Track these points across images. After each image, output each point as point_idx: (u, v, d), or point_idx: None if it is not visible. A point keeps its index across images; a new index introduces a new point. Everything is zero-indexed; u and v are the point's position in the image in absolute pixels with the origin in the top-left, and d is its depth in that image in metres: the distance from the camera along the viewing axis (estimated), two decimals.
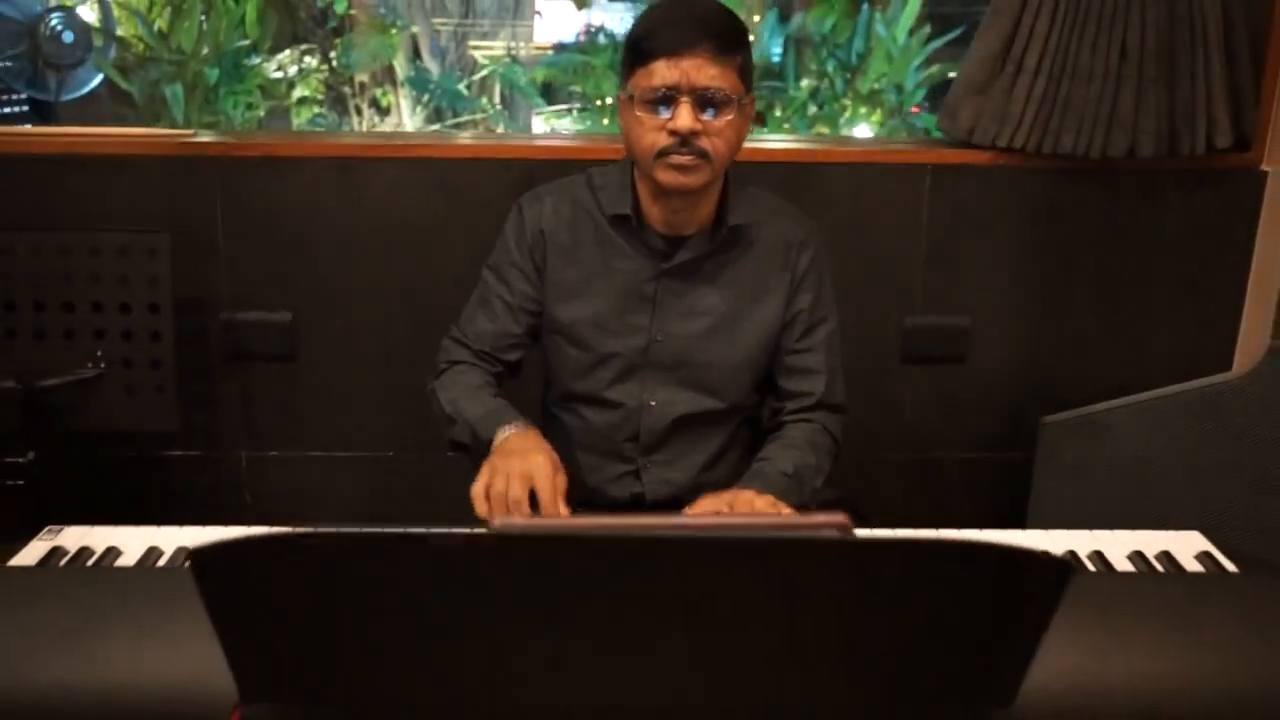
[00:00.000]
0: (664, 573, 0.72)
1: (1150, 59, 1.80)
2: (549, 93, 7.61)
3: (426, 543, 0.69)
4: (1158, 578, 1.11)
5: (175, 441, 1.98)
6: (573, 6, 7.83)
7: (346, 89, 7.31)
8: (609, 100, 7.42)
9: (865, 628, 0.79)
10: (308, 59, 7.11)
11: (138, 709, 0.86)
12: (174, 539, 1.15)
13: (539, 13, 7.40)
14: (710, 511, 1.23)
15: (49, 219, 1.83)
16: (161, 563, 1.11)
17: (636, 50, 1.30)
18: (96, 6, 4.34)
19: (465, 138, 2.02)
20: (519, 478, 1.15)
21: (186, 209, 1.87)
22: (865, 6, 7.42)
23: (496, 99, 7.32)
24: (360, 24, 7.27)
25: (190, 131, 1.94)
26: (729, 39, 1.28)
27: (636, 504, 1.47)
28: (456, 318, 1.50)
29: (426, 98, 7.11)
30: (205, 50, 5.92)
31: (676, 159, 1.28)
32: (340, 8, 7.18)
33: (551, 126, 7.08)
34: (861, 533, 0.82)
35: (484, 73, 7.27)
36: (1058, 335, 2.00)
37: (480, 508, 1.17)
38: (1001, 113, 1.86)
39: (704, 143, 1.27)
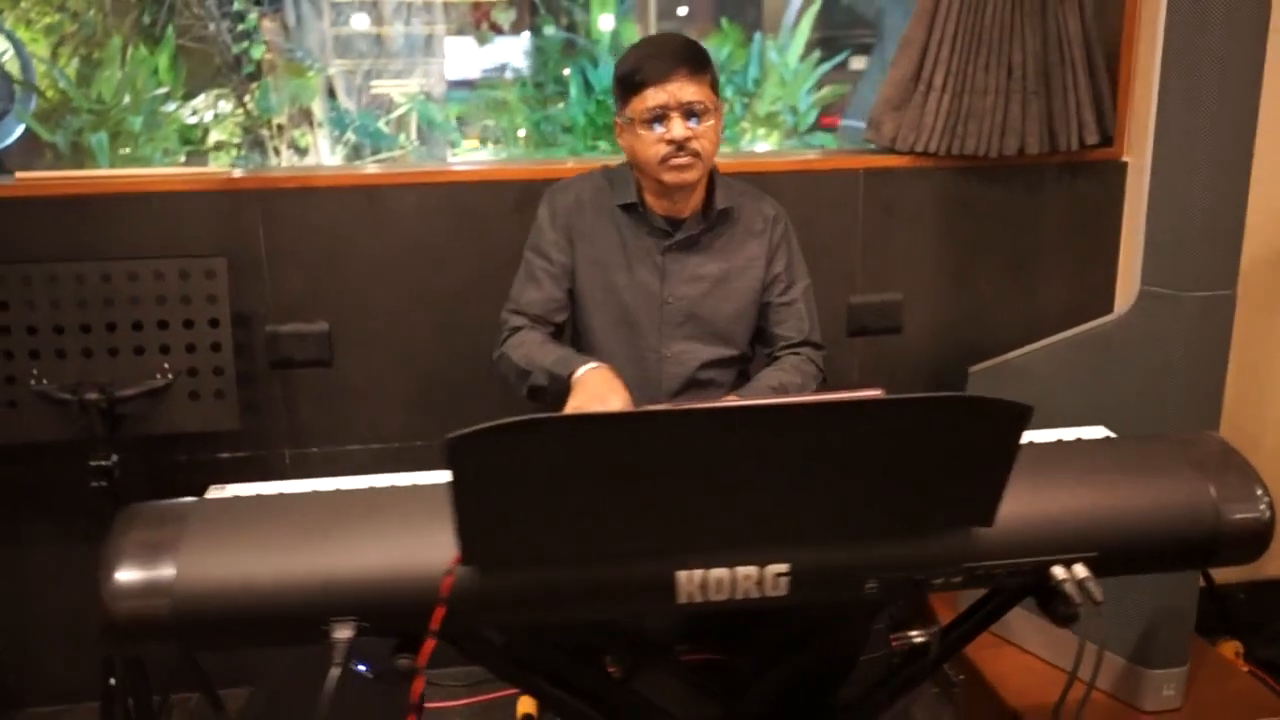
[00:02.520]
0: (763, 435, 1.07)
1: (1031, 75, 2.23)
2: (462, 127, 7.89)
3: (618, 420, 1.02)
4: (1072, 445, 1.48)
5: (224, 443, 2.22)
6: (475, 44, 8.13)
7: (264, 131, 7.47)
8: (521, 133, 7.76)
9: (891, 467, 1.14)
10: (223, 103, 7.24)
11: (373, 582, 1.15)
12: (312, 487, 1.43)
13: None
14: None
15: (115, 250, 2.07)
16: None
17: (628, 83, 1.67)
18: (16, 59, 4.46)
19: (473, 164, 2.33)
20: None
21: (234, 236, 2.13)
22: (758, 35, 7.95)
23: (414, 135, 7.57)
24: (277, 68, 7.44)
25: (227, 169, 2.20)
26: (698, 62, 1.66)
27: None
28: (475, 314, 1.81)
29: (346, 136, 7.32)
30: (126, 99, 6.04)
31: (676, 161, 1.65)
32: (257, 53, 7.35)
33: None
34: None
35: (401, 110, 7.53)
36: (972, 302, 2.41)
37: None
38: (917, 124, 2.26)
39: (695, 145, 1.65)
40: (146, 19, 5.34)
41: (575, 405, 1.53)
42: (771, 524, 1.18)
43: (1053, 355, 1.98)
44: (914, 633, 1.36)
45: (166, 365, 2.06)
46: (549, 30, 8.49)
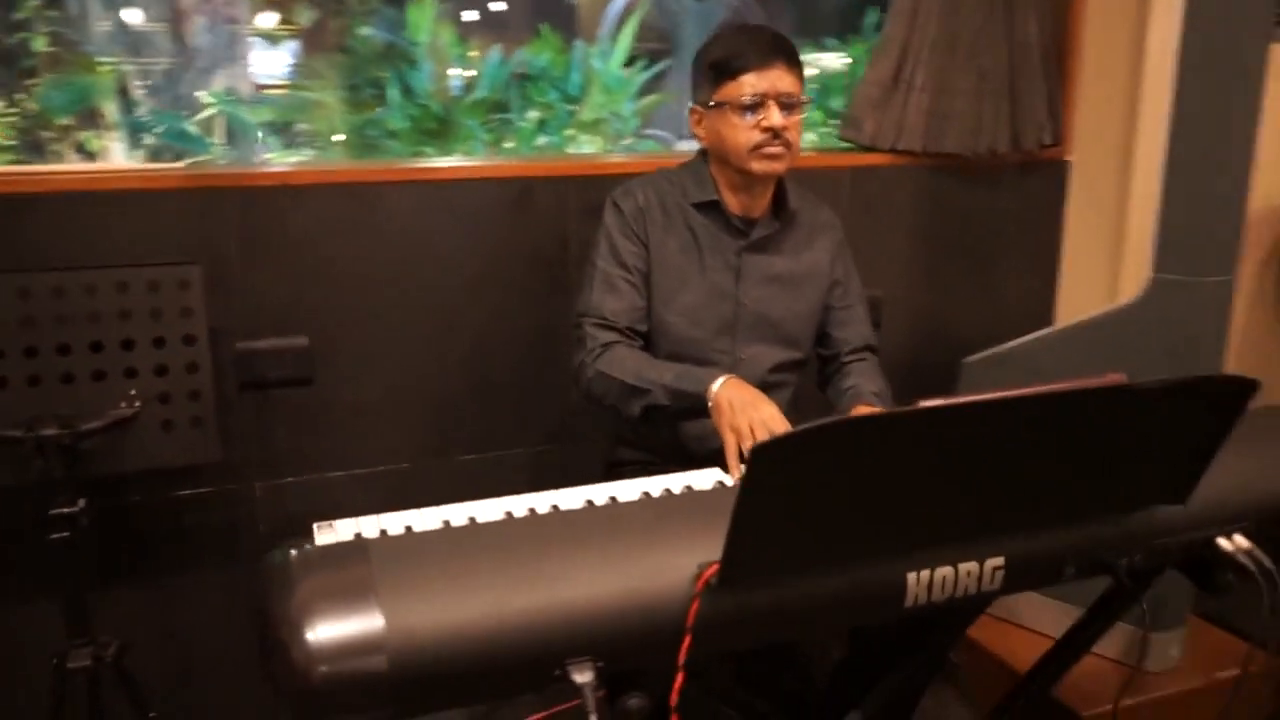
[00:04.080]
0: (1013, 423, 1.04)
1: (1000, 78, 2.33)
2: (276, 131, 7.43)
3: (916, 416, 0.96)
4: None
5: (184, 479, 1.95)
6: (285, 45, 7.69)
7: (46, 133, 6.67)
8: (338, 137, 7.38)
9: (1115, 451, 1.14)
10: None
11: (608, 615, 1.02)
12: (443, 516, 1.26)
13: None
14: None
15: (66, 258, 1.77)
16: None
17: (724, 68, 1.61)
18: None
19: (470, 161, 2.17)
20: (762, 429, 1.40)
21: (202, 241, 1.87)
22: (578, 43, 7.96)
23: (220, 137, 7.04)
24: (63, 62, 6.66)
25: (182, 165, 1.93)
26: (794, 55, 1.63)
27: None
28: (472, 321, 1.78)
29: (146, 139, 6.67)
30: None
31: (769, 150, 1.61)
32: (39, 44, 6.55)
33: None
34: None
35: (209, 112, 6.95)
36: (945, 296, 2.50)
37: (736, 468, 1.41)
38: (898, 122, 2.31)
39: (789, 135, 1.61)
40: None
41: (734, 418, 1.44)
42: (992, 518, 1.15)
43: (1057, 343, 2.07)
44: None
45: (133, 391, 1.77)
46: (365, 31, 8.09)
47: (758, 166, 1.62)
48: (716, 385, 1.52)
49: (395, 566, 1.01)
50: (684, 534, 1.10)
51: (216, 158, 6.65)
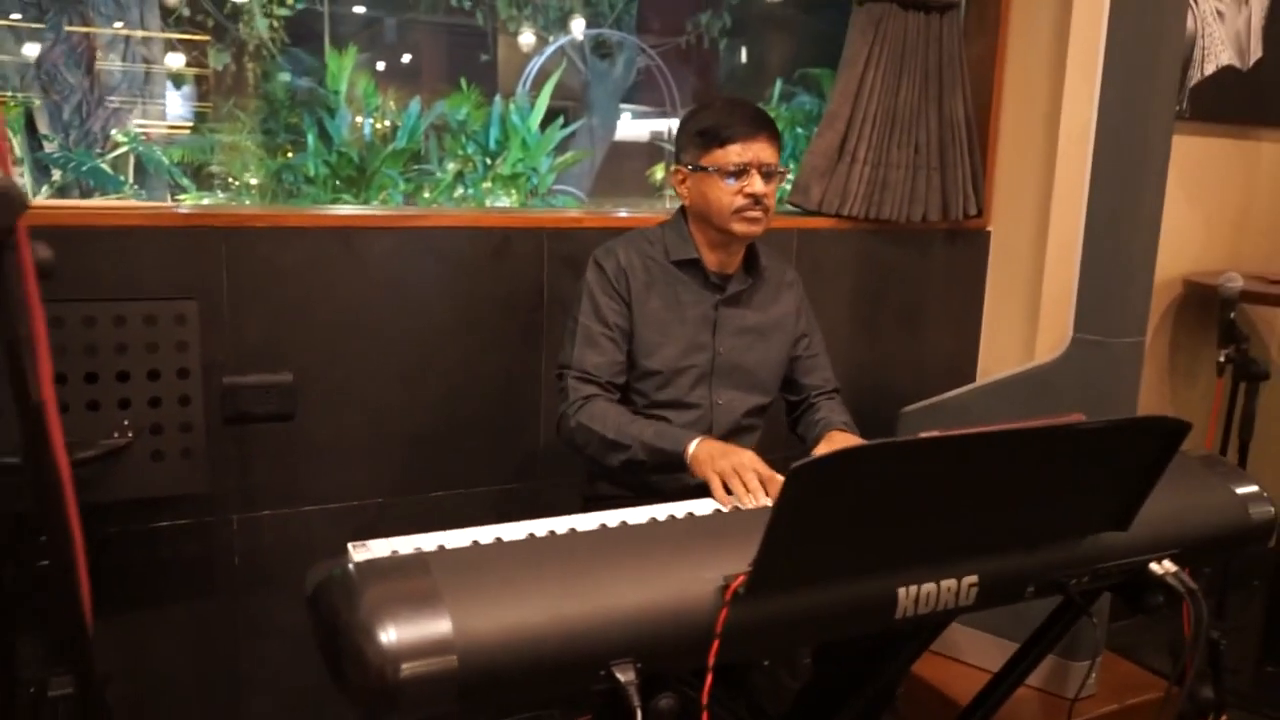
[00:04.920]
0: (997, 454, 1.21)
1: (933, 153, 2.57)
2: (186, 172, 7.34)
3: (937, 444, 1.11)
4: None
5: (163, 510, 1.97)
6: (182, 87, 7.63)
7: None
8: (253, 181, 7.35)
9: (1071, 481, 1.32)
10: None
11: (646, 620, 1.13)
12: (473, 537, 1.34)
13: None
14: None
15: (63, 291, 1.79)
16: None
17: (713, 136, 1.78)
18: None
19: (452, 211, 2.27)
20: (749, 470, 1.54)
21: (193, 277, 1.92)
22: (497, 98, 8.14)
23: (130, 177, 6.91)
24: None
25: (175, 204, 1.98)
26: (775, 130, 1.81)
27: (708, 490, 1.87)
28: (448, 364, 2.01)
29: (56, 176, 6.51)
30: None
31: (750, 214, 1.78)
32: None
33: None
34: None
35: (121, 150, 6.82)
36: (879, 351, 2.70)
37: (726, 501, 1.53)
38: (842, 190, 2.52)
39: (767, 201, 1.78)
40: None
41: (715, 464, 1.58)
42: (970, 539, 1.31)
43: (987, 395, 2.28)
44: None
45: (126, 422, 1.81)
46: (283, 77, 8.13)
47: (739, 228, 1.79)
48: (693, 445, 1.67)
49: (456, 577, 1.11)
50: (709, 551, 1.23)
51: (128, 197, 6.53)
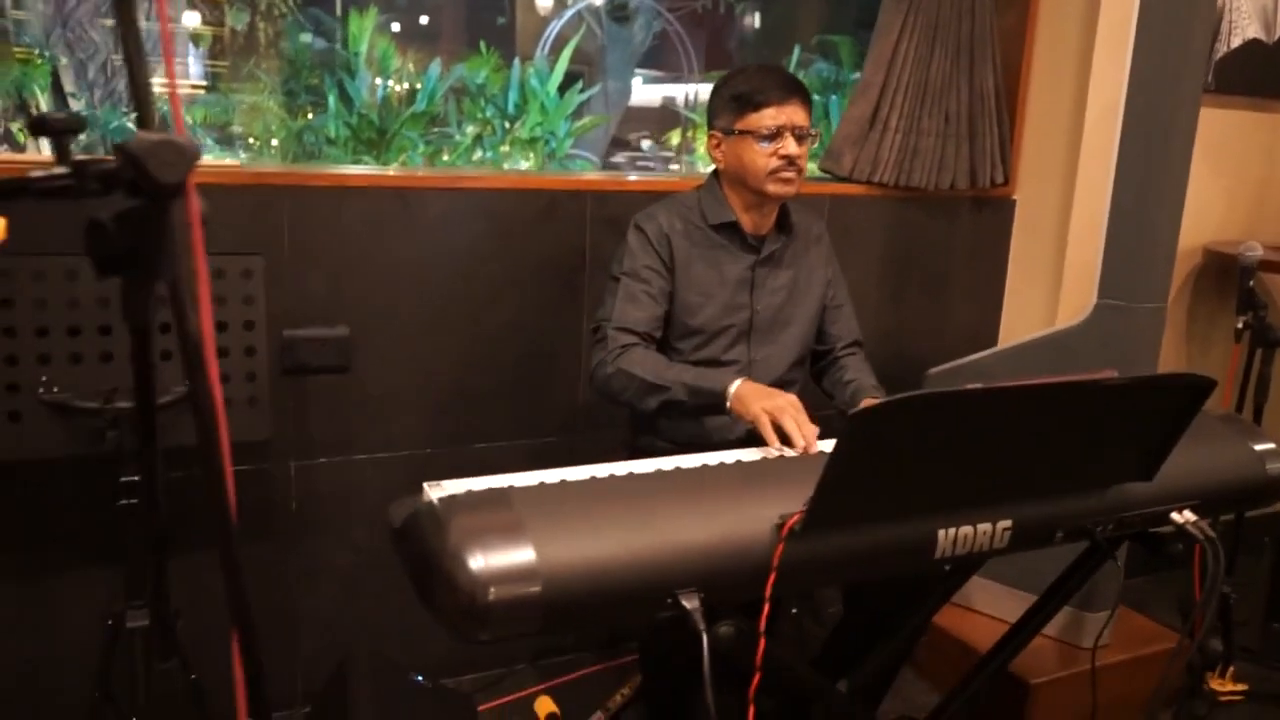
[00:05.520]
0: (1035, 405, 1.29)
1: (962, 122, 2.63)
2: (206, 131, 7.40)
3: (990, 393, 1.20)
4: None
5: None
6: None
7: None
8: (275, 142, 7.42)
9: (1103, 433, 1.40)
10: None
11: (710, 553, 1.23)
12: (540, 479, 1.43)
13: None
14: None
15: None
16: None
17: (748, 100, 1.85)
18: None
19: (505, 172, 2.35)
20: (792, 408, 1.62)
21: (258, 233, 2.01)
22: (516, 61, 8.15)
23: None
24: None
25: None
26: (808, 94, 1.89)
27: (749, 439, 1.96)
28: (498, 321, 2.13)
29: (84, 136, 6.59)
30: None
31: (785, 174, 1.86)
32: None
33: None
34: None
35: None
36: (905, 314, 2.78)
37: (774, 441, 1.62)
38: (874, 158, 2.59)
39: (800, 163, 1.86)
40: None
41: (762, 402, 1.65)
42: (1006, 486, 1.40)
43: (1011, 359, 2.36)
44: None
45: None
46: (304, 38, 8.14)
47: (774, 189, 1.86)
48: (734, 385, 1.74)
49: (536, 511, 1.20)
50: (764, 492, 1.32)
51: None
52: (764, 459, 1.56)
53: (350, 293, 2.12)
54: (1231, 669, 2.45)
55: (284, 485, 2.14)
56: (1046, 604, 1.79)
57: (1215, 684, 2.45)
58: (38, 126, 0.86)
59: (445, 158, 7.33)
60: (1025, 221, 2.85)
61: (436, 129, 7.55)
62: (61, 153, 0.85)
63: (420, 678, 2.00)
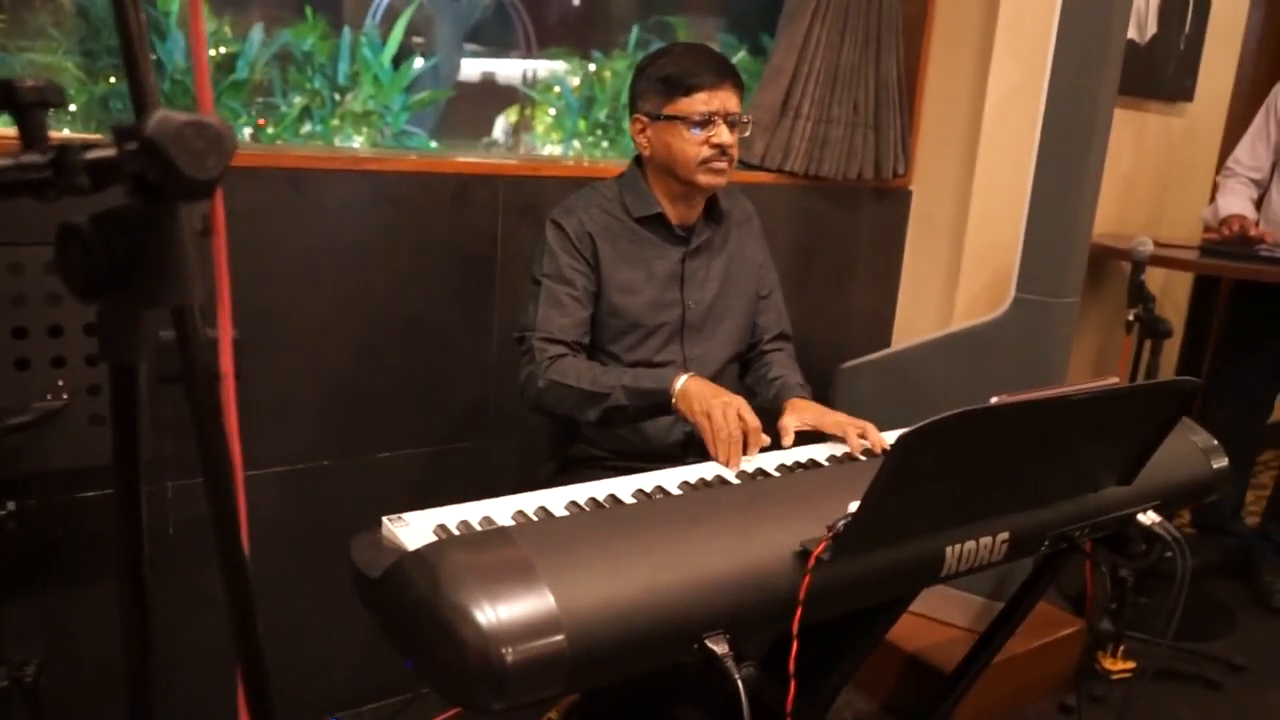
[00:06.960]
0: (1049, 417, 1.24)
1: (869, 112, 2.60)
2: None
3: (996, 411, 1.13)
4: None
5: (87, 479, 1.78)
6: None
7: None
8: (72, 107, 6.71)
9: (1098, 440, 1.37)
10: None
11: (735, 590, 1.10)
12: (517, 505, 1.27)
13: None
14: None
15: None
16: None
17: (678, 84, 1.72)
18: None
19: (410, 154, 2.12)
20: (735, 412, 1.50)
21: None
22: (346, 29, 7.69)
23: None
24: None
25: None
26: (739, 79, 1.77)
27: (689, 444, 1.84)
28: (402, 318, 1.93)
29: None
30: None
31: (716, 164, 1.74)
32: None
33: None
34: None
35: None
36: (808, 307, 2.73)
37: (723, 452, 1.50)
38: (784, 146, 2.52)
39: (732, 152, 1.75)
40: None
41: (705, 405, 1.53)
42: (1009, 497, 1.35)
43: (929, 352, 2.35)
44: None
45: (61, 382, 1.62)
46: None
47: (704, 179, 1.74)
48: (680, 381, 1.62)
49: (545, 550, 1.04)
50: (777, 513, 1.21)
51: None
52: (754, 475, 1.46)
53: (237, 289, 1.85)
54: (1123, 648, 2.55)
55: (160, 507, 1.86)
56: (1015, 609, 1.78)
57: (1108, 663, 2.54)
58: (2, 97, 0.63)
59: (270, 130, 6.85)
60: (921, 213, 2.86)
61: (261, 99, 7.04)
62: (34, 134, 0.63)
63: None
